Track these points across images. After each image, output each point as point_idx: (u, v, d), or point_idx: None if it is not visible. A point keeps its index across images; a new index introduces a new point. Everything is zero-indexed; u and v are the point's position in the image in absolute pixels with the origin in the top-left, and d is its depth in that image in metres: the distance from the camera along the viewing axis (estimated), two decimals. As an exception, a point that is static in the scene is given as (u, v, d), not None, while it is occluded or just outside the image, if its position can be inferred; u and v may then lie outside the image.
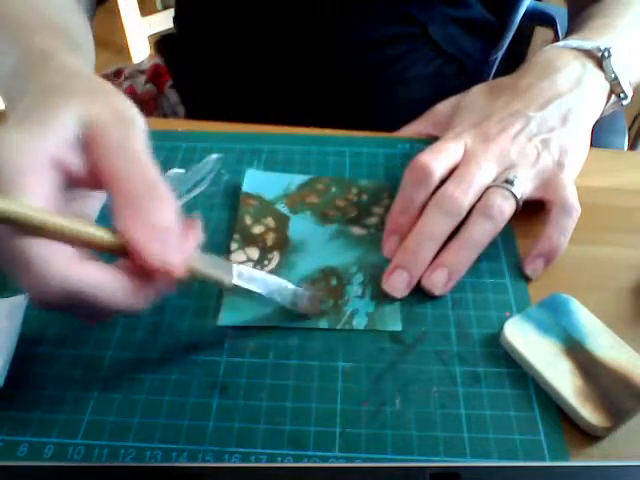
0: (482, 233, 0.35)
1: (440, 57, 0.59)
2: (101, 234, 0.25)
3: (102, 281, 0.25)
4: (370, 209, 0.41)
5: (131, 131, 0.27)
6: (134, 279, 0.26)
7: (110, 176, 0.25)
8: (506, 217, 0.35)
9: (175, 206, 0.26)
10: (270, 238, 0.39)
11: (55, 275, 0.23)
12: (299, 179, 0.43)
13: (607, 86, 0.42)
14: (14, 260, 0.24)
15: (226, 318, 0.34)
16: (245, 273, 0.31)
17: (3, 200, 0.23)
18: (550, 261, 0.36)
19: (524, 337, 0.32)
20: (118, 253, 0.25)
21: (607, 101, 0.43)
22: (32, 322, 0.34)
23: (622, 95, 0.43)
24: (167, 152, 0.45)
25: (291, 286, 0.34)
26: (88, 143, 0.26)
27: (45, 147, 0.25)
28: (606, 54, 0.41)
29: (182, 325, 0.34)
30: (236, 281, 0.30)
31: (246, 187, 0.42)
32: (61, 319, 0.34)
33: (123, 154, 0.26)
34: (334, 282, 0.36)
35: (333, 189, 0.42)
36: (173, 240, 0.26)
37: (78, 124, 0.26)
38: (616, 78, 0.42)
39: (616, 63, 0.41)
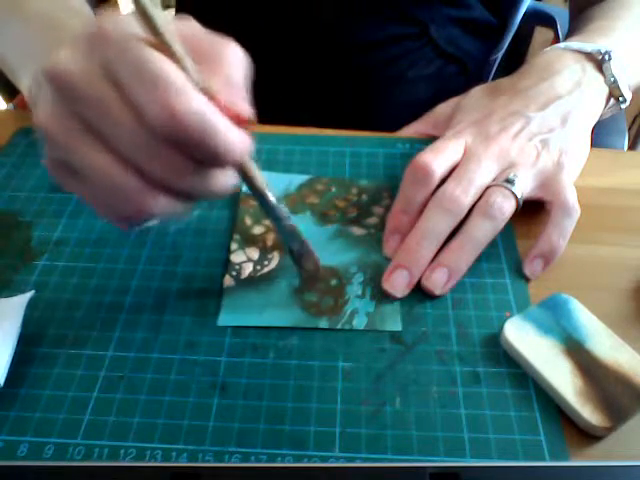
0: (482, 232, 0.35)
1: (441, 57, 0.59)
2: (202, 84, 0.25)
3: (222, 119, 0.24)
4: (370, 209, 0.41)
5: None
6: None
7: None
8: (506, 216, 0.35)
9: (245, 63, 0.27)
10: (270, 238, 0.39)
11: (189, 94, 0.23)
12: (299, 179, 0.43)
13: (606, 89, 0.42)
14: (149, 70, 0.23)
15: (226, 318, 0.34)
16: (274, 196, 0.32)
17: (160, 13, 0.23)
18: (549, 262, 0.36)
19: (524, 337, 0.32)
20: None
21: (606, 104, 0.43)
22: (32, 322, 0.34)
23: (621, 98, 0.43)
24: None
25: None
26: None
27: None
28: (606, 57, 0.41)
29: (182, 325, 0.34)
30: (273, 198, 0.32)
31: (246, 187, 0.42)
32: (61, 319, 0.34)
33: (189, 27, 0.27)
34: (334, 282, 0.36)
35: (333, 189, 0.42)
36: (244, 94, 0.27)
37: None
38: (615, 81, 0.42)
39: (616, 66, 0.41)
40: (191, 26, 0.27)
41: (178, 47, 0.24)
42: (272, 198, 0.32)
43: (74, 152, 0.25)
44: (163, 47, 0.24)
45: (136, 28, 0.24)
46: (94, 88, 0.24)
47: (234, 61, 0.26)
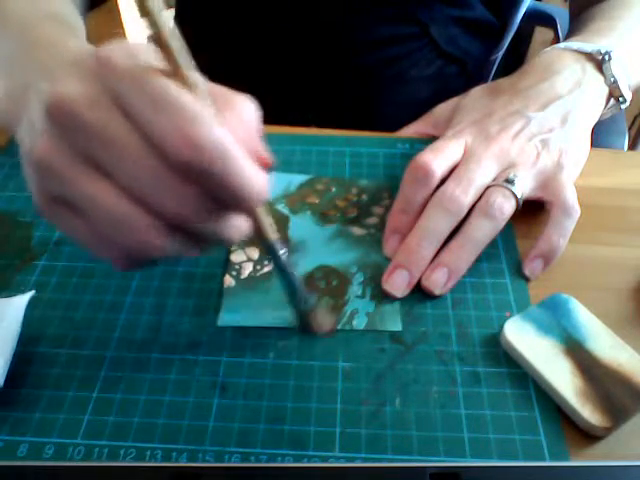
0: (482, 232, 0.35)
1: (441, 57, 0.59)
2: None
3: (243, 154, 0.23)
4: (370, 209, 0.41)
5: None
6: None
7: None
8: (506, 216, 0.35)
9: (256, 110, 0.26)
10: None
11: (207, 121, 0.22)
12: (299, 179, 0.43)
13: (606, 89, 0.42)
14: (167, 99, 0.22)
15: (226, 318, 0.34)
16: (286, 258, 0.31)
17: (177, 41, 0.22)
18: (549, 262, 0.36)
19: (524, 337, 0.32)
20: None
21: (606, 104, 0.43)
22: (32, 322, 0.34)
23: (621, 99, 0.43)
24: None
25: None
26: None
27: None
28: (606, 57, 0.41)
29: (182, 325, 0.34)
30: (282, 254, 0.30)
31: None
32: (61, 319, 0.34)
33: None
34: (334, 282, 0.36)
35: (333, 189, 0.42)
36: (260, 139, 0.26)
37: None
38: (615, 82, 0.42)
39: (616, 67, 0.41)
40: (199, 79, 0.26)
41: (196, 78, 0.23)
42: (281, 252, 0.30)
43: (74, 184, 0.23)
44: (180, 79, 0.23)
45: (146, 57, 0.23)
46: (101, 119, 0.23)
47: (247, 108, 0.25)
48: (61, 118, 0.23)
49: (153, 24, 0.21)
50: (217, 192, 0.23)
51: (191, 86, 0.23)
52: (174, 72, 0.23)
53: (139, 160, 0.22)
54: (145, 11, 0.21)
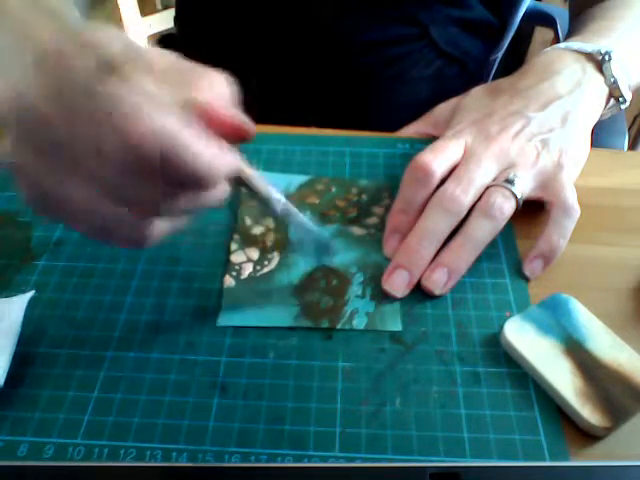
0: (482, 232, 0.35)
1: (441, 58, 0.59)
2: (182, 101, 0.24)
3: (193, 138, 0.23)
4: (370, 209, 0.41)
5: None
6: (213, 134, 0.24)
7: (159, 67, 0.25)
8: (506, 217, 0.35)
9: (224, 81, 0.26)
10: (270, 239, 0.39)
11: (147, 112, 0.22)
12: (299, 179, 0.43)
13: (606, 89, 0.42)
14: (112, 103, 0.22)
15: (226, 318, 0.34)
16: (287, 206, 0.31)
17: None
18: (549, 262, 0.36)
19: (524, 337, 0.32)
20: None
21: (606, 104, 0.43)
22: (32, 322, 0.34)
23: (621, 99, 0.43)
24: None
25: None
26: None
27: None
28: (606, 58, 0.41)
29: (182, 325, 0.34)
30: (283, 206, 0.31)
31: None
32: (61, 319, 0.34)
33: (161, 56, 0.26)
34: (334, 282, 0.36)
35: (333, 189, 0.42)
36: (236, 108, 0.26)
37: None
38: (615, 82, 0.42)
39: (616, 67, 0.41)
40: (171, 57, 0.26)
41: (139, 66, 0.23)
42: (279, 197, 0.31)
43: (54, 189, 0.24)
44: (122, 72, 0.22)
45: (92, 55, 0.22)
46: (57, 117, 0.23)
47: (218, 80, 0.25)
48: (27, 121, 0.23)
49: None
50: (176, 179, 0.23)
51: (132, 74, 0.23)
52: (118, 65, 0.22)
53: (99, 161, 0.23)
54: None
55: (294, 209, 0.32)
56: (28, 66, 0.23)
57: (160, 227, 0.26)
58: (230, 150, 0.25)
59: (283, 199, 0.31)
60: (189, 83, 0.24)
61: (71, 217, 0.25)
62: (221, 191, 0.26)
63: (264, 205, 0.31)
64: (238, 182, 0.28)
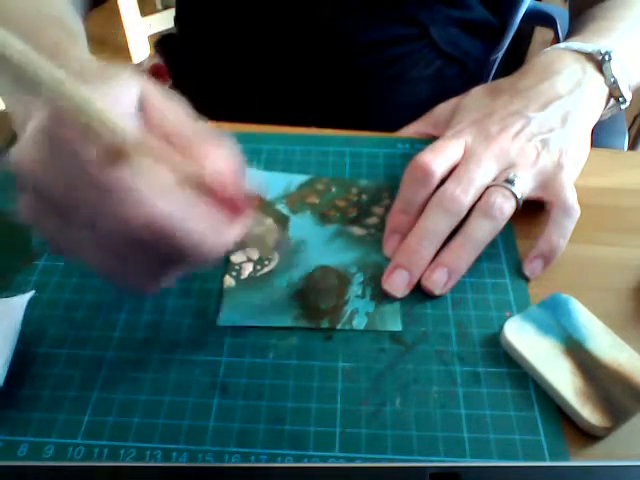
0: (482, 232, 0.35)
1: (441, 58, 0.59)
2: (184, 168, 0.24)
3: (190, 215, 0.23)
4: (370, 209, 0.41)
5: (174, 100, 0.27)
6: (216, 211, 0.25)
7: (163, 130, 0.25)
8: (506, 217, 0.35)
9: (229, 151, 0.26)
10: (270, 238, 0.39)
11: (144, 204, 0.22)
12: (299, 179, 0.43)
13: (606, 90, 0.42)
14: (113, 187, 0.22)
15: (226, 318, 0.34)
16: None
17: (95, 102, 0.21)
18: (549, 262, 0.36)
19: (524, 337, 0.32)
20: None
21: (606, 104, 0.43)
22: (32, 322, 0.34)
23: (621, 99, 0.43)
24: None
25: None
26: (144, 108, 0.25)
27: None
28: (606, 58, 0.41)
29: (182, 325, 0.34)
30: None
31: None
32: (61, 319, 0.34)
33: (174, 113, 0.26)
34: (334, 282, 0.36)
35: (333, 189, 0.42)
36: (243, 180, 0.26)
37: (137, 93, 0.25)
38: (615, 82, 0.42)
39: (616, 67, 0.41)
40: (177, 115, 0.26)
41: (144, 140, 0.23)
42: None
43: (65, 241, 0.25)
44: (124, 149, 0.22)
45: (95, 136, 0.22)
46: (59, 188, 0.23)
47: (226, 150, 0.26)
48: (30, 179, 0.24)
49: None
50: (174, 260, 0.25)
51: (138, 151, 0.23)
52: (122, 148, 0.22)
53: (100, 231, 0.23)
54: None
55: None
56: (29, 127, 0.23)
57: (163, 282, 0.27)
58: (232, 225, 0.26)
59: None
60: (193, 152, 0.25)
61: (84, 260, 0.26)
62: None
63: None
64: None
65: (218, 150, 0.25)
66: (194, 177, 0.24)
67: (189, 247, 0.24)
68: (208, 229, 0.24)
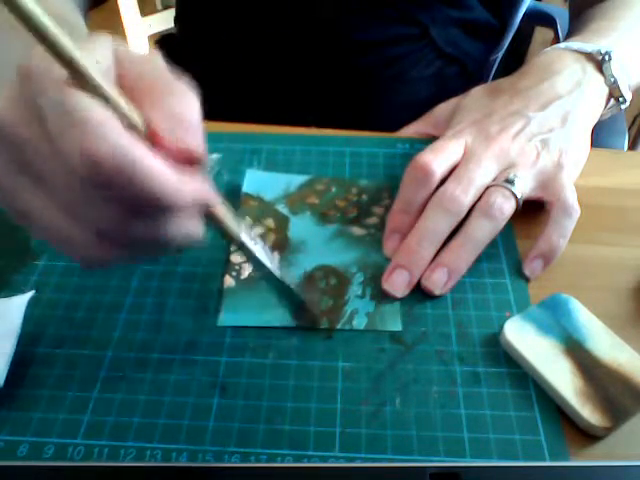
0: (482, 232, 0.35)
1: (441, 58, 0.59)
2: (138, 121, 0.23)
3: (152, 161, 0.22)
4: (370, 209, 0.41)
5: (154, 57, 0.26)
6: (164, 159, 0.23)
7: (133, 81, 0.24)
8: (506, 217, 0.35)
9: (197, 102, 0.25)
10: (270, 239, 0.39)
11: (110, 137, 0.21)
12: (299, 179, 0.43)
13: (606, 89, 0.42)
14: (69, 114, 0.21)
15: (226, 318, 0.34)
16: (254, 239, 0.30)
17: (80, 51, 0.21)
18: (549, 262, 0.36)
19: (524, 337, 0.32)
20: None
21: (606, 104, 0.43)
22: (32, 322, 0.34)
23: (621, 99, 0.43)
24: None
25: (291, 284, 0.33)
26: (118, 63, 0.24)
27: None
28: (606, 58, 0.41)
29: (182, 325, 0.34)
30: (245, 238, 0.29)
31: (246, 188, 0.42)
32: (61, 319, 0.34)
33: (148, 65, 0.25)
34: (334, 282, 0.36)
35: (333, 189, 0.42)
36: (195, 131, 0.24)
37: (110, 47, 0.24)
38: (615, 82, 0.42)
39: (616, 67, 0.41)
40: (152, 63, 0.25)
41: (104, 84, 0.22)
42: (251, 243, 0.29)
43: (15, 198, 0.24)
44: (88, 86, 0.22)
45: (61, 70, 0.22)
46: (24, 133, 0.22)
47: (186, 99, 0.24)
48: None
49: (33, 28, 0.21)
50: (136, 202, 0.23)
51: (99, 93, 0.22)
52: (79, 79, 0.22)
53: (62, 176, 0.22)
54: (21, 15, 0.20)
55: (268, 258, 0.31)
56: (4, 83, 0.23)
57: (115, 254, 0.25)
58: (199, 179, 0.24)
59: (258, 244, 0.30)
60: (151, 100, 0.24)
61: (34, 228, 0.25)
62: (192, 225, 0.25)
63: (237, 246, 0.29)
64: (208, 217, 0.26)
65: (174, 99, 0.24)
66: (142, 123, 0.23)
67: (159, 190, 0.22)
68: (164, 174, 0.23)
